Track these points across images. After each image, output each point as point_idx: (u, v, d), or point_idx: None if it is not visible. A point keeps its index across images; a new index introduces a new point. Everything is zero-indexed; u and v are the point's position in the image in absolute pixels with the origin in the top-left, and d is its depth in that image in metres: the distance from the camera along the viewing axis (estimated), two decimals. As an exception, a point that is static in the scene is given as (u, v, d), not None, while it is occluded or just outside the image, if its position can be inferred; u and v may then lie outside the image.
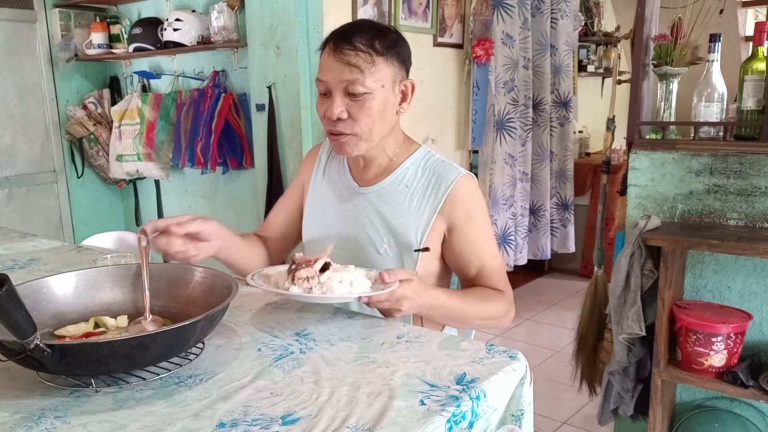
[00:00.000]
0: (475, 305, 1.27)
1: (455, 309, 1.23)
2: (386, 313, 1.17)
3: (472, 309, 1.27)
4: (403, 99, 1.32)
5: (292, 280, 1.11)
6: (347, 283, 1.11)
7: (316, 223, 1.43)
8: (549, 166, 3.93)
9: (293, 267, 1.12)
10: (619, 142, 3.23)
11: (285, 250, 1.51)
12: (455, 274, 1.42)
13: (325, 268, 1.11)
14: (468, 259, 1.33)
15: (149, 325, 1.09)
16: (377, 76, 1.24)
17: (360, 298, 1.10)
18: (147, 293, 1.08)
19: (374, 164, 1.37)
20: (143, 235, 1.11)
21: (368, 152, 1.33)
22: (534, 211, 3.94)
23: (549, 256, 4.09)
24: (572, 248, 4.09)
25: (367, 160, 1.37)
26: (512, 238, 3.73)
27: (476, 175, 3.64)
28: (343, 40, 1.24)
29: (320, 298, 1.11)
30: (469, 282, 1.35)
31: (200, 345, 1.05)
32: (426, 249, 1.32)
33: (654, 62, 2.01)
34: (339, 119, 1.25)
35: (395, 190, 1.35)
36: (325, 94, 1.27)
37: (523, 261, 3.85)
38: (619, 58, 4.60)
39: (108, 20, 3.59)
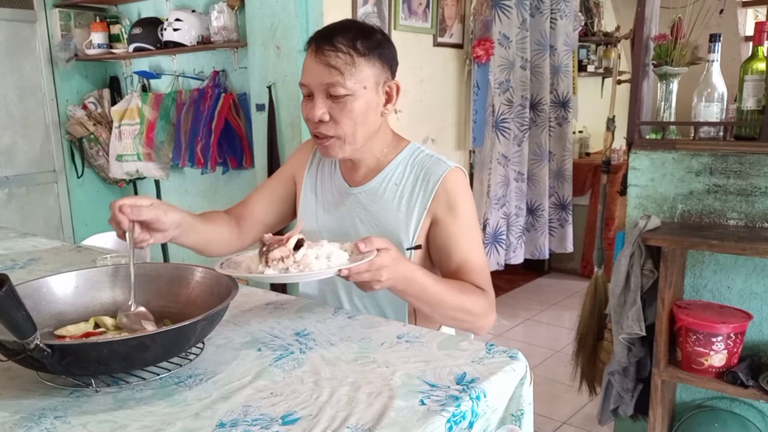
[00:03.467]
0: (452, 293, 1.20)
1: (431, 289, 1.17)
2: (365, 286, 1.10)
3: (449, 295, 1.19)
4: (388, 100, 1.30)
5: (266, 262, 1.03)
6: (324, 258, 1.05)
7: (309, 225, 1.42)
8: (547, 166, 3.94)
9: (264, 249, 1.05)
10: (619, 142, 3.23)
11: (260, 233, 1.44)
12: (438, 269, 1.37)
13: (299, 245, 1.04)
14: (448, 253, 1.29)
15: (149, 325, 1.09)
16: (358, 77, 1.22)
17: (340, 271, 1.03)
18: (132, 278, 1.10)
19: (363, 165, 1.37)
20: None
21: (354, 154, 1.32)
22: (532, 211, 3.95)
23: (547, 256, 4.10)
24: (570, 248, 4.10)
25: (355, 161, 1.36)
26: (503, 237, 3.73)
27: (472, 174, 3.67)
28: (324, 40, 1.22)
29: (298, 277, 1.04)
30: (449, 277, 1.30)
31: (200, 345, 1.05)
32: (418, 247, 1.31)
33: (654, 62, 2.01)
34: (321, 121, 1.24)
35: (385, 189, 1.34)
36: (309, 96, 1.26)
37: (517, 260, 3.86)
38: (619, 58, 4.60)
39: (108, 20, 3.59)
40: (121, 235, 1.12)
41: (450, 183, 1.30)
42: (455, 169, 1.32)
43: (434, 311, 1.21)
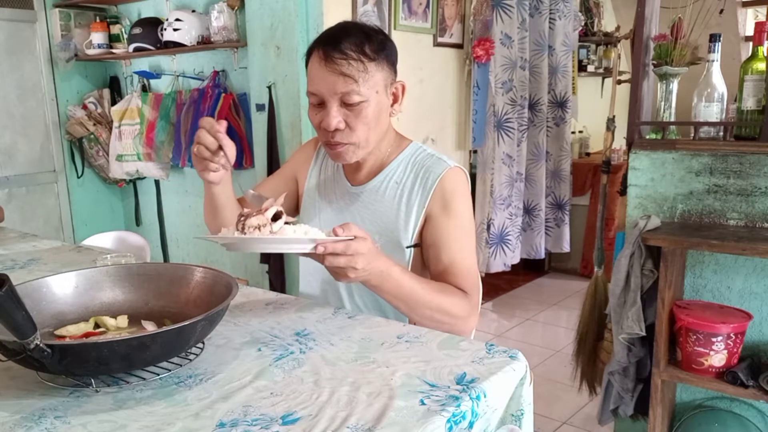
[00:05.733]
0: (430, 292, 1.18)
1: (407, 287, 1.15)
2: (339, 273, 1.08)
3: (426, 295, 1.17)
4: (395, 101, 1.31)
5: (242, 229, 1.01)
6: (302, 233, 1.04)
7: (311, 223, 1.42)
8: (544, 166, 3.94)
9: (242, 218, 1.03)
10: (619, 142, 3.23)
11: None
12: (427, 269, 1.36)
13: (277, 217, 1.03)
14: (437, 251, 1.29)
15: (149, 325, 1.09)
16: (371, 82, 1.22)
17: (316, 247, 1.02)
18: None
19: (366, 164, 1.37)
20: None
21: (363, 156, 1.32)
22: (529, 211, 3.96)
23: (543, 256, 4.10)
24: (567, 248, 4.10)
25: (360, 161, 1.36)
26: (509, 238, 3.73)
27: (475, 174, 3.67)
28: (332, 46, 1.21)
29: (273, 240, 1.02)
30: (436, 277, 1.29)
31: (200, 345, 1.05)
32: (417, 245, 1.31)
33: (654, 62, 2.01)
34: (336, 129, 1.24)
35: (386, 188, 1.35)
36: (320, 105, 1.25)
37: (514, 260, 3.87)
38: (619, 58, 4.60)
39: (108, 20, 3.59)
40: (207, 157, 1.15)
41: (448, 182, 1.30)
42: (455, 169, 1.32)
43: (411, 310, 1.20)
